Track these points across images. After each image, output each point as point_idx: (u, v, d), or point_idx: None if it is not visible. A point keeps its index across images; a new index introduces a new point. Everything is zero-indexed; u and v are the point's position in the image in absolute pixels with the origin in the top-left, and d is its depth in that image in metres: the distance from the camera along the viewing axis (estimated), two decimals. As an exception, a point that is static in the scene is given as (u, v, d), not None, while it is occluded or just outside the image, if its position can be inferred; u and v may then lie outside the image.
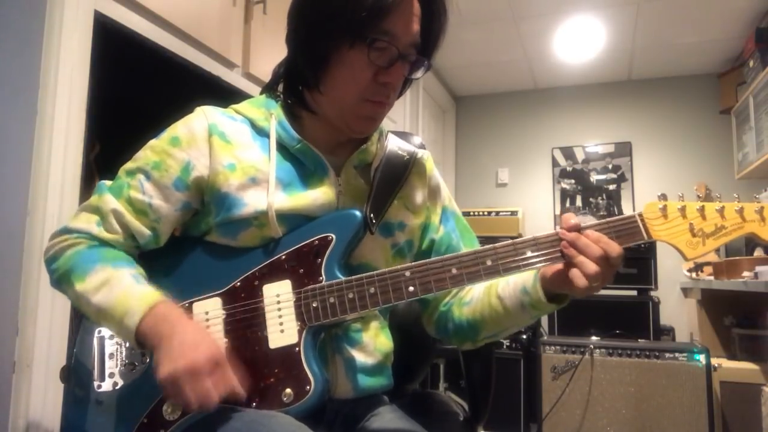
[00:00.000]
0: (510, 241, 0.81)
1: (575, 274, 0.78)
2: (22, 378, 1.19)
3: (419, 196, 1.01)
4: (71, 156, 1.29)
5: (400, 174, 0.97)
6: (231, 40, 1.83)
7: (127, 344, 0.86)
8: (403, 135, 1.11)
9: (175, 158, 0.87)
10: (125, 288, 0.80)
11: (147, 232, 0.87)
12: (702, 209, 0.81)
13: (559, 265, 0.80)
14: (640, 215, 0.82)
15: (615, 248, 0.77)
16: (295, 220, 0.87)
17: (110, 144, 1.66)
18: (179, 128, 0.90)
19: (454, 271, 0.81)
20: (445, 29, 0.91)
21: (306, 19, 0.88)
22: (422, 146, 1.23)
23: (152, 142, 0.91)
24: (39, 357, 1.21)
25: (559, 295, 0.84)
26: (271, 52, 1.99)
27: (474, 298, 0.96)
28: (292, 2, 0.91)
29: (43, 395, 1.22)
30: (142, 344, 0.78)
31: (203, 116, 0.90)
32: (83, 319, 0.89)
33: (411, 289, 0.81)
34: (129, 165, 0.90)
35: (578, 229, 0.79)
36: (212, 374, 0.73)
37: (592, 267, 0.76)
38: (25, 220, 1.21)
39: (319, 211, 0.88)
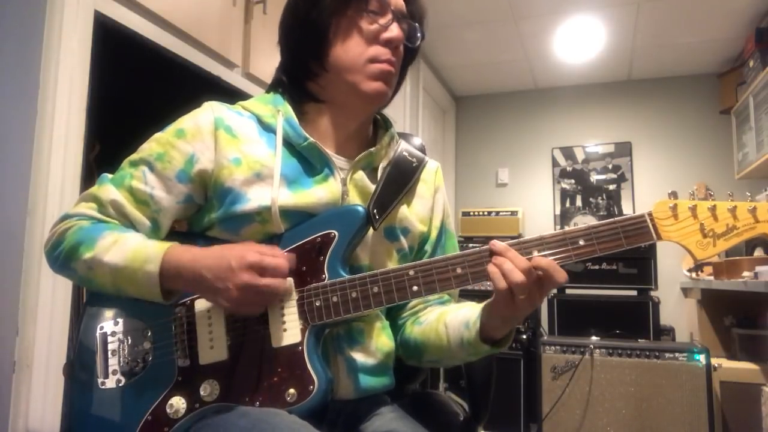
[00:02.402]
0: (516, 240, 0.80)
1: (496, 274, 0.77)
2: (22, 378, 1.18)
3: (424, 206, 1.01)
4: (71, 156, 1.29)
5: (407, 178, 0.97)
6: (231, 40, 1.83)
7: (132, 338, 0.85)
8: (403, 136, 1.11)
9: (180, 150, 0.87)
10: (137, 242, 0.82)
11: (147, 222, 0.87)
12: (714, 209, 0.79)
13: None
14: (650, 215, 0.79)
15: (543, 261, 0.76)
16: (298, 217, 0.87)
17: (110, 144, 1.66)
18: (185, 121, 0.90)
19: (458, 270, 0.80)
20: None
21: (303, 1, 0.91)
22: (422, 147, 1.23)
23: (157, 134, 0.91)
24: (39, 357, 1.21)
25: (497, 340, 0.85)
26: (271, 52, 1.98)
27: (427, 320, 0.97)
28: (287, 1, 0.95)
29: (43, 395, 1.22)
30: (167, 291, 0.80)
31: (210, 110, 0.90)
32: (85, 311, 0.89)
33: (415, 288, 0.81)
34: (133, 156, 0.90)
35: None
36: (263, 275, 0.76)
37: (517, 275, 0.75)
38: (25, 220, 1.20)
39: (323, 210, 0.88)
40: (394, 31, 0.89)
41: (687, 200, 0.80)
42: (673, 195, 0.81)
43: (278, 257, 0.79)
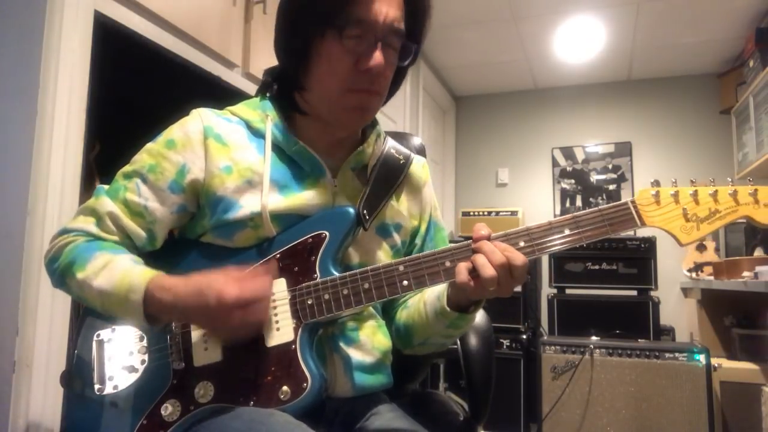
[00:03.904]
0: (503, 232, 0.82)
1: (474, 270, 0.78)
2: (22, 378, 1.19)
3: (413, 201, 1.02)
4: (71, 156, 1.29)
5: (396, 176, 0.97)
6: (231, 40, 1.83)
7: (124, 341, 0.86)
8: (402, 136, 1.11)
9: (171, 161, 0.88)
10: (125, 268, 0.81)
11: (143, 233, 0.88)
12: (695, 194, 0.82)
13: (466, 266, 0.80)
14: (633, 202, 0.82)
15: (518, 258, 0.77)
16: (290, 220, 0.88)
17: (110, 144, 1.66)
18: (175, 131, 0.90)
19: (447, 263, 0.82)
20: (429, 12, 0.91)
21: (284, 16, 0.90)
22: (422, 147, 1.23)
23: (149, 145, 0.91)
24: (39, 357, 1.21)
25: (464, 306, 0.86)
26: (271, 52, 1.99)
27: (412, 302, 0.98)
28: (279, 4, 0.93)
29: (43, 395, 1.22)
30: (153, 317, 0.79)
31: (199, 119, 0.90)
32: (83, 321, 0.89)
33: (405, 283, 0.82)
34: (126, 168, 0.91)
35: (488, 239, 0.80)
36: (246, 306, 0.74)
37: (489, 270, 0.76)
38: (25, 220, 1.21)
39: (314, 212, 0.89)
40: (376, 58, 0.82)
41: (669, 187, 0.83)
42: (656, 183, 0.83)
43: (257, 277, 0.77)
